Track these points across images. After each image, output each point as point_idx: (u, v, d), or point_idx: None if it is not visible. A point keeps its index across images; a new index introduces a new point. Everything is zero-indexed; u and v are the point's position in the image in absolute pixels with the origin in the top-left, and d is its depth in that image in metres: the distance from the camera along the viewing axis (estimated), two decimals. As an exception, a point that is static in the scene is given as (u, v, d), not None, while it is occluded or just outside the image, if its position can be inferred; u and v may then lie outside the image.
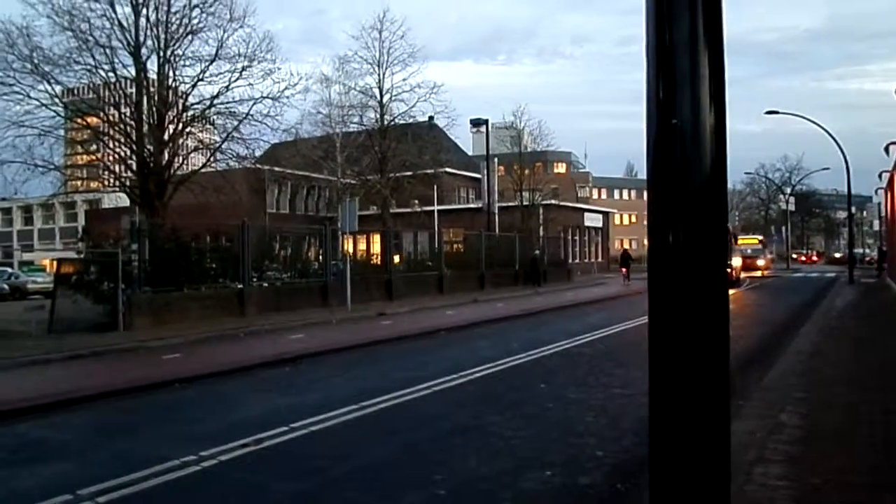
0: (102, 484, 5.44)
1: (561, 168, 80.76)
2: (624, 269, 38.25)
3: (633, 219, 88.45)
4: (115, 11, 24.28)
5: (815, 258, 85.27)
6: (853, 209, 42.04)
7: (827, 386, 8.33)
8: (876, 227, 48.02)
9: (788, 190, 74.28)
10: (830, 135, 34.88)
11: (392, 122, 39.03)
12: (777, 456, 5.41)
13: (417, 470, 5.86)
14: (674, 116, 1.71)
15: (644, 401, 5.80)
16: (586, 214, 57.53)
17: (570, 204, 58.24)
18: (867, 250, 69.54)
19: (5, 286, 33.14)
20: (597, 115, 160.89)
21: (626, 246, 57.39)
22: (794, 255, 76.52)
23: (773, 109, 40.01)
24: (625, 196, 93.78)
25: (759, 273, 41.02)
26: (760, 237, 50.82)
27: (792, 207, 72.47)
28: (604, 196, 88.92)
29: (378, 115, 38.61)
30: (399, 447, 6.72)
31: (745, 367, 9.88)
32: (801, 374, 9.09)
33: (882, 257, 40.32)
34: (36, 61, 23.34)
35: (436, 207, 43.59)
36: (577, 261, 51.35)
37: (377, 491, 5.41)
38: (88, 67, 24.58)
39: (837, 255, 73.46)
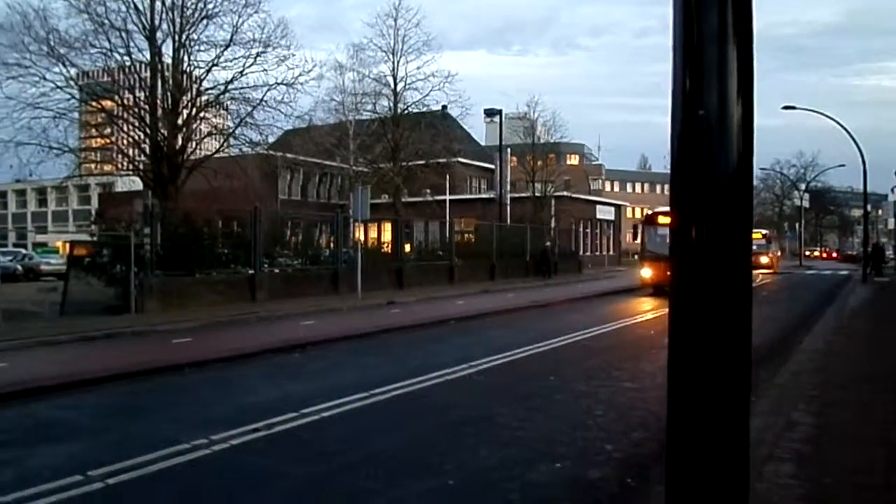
0: (112, 465, 5.48)
1: (574, 160, 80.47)
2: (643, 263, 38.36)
3: (647, 212, 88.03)
4: (131, -6, 24.33)
5: (835, 255, 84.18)
6: (868, 207, 41.64)
7: (840, 385, 8.27)
8: (891, 225, 47.49)
9: (803, 186, 73.69)
10: (847, 131, 34.56)
11: (405, 111, 38.94)
12: (788, 454, 5.37)
13: (426, 459, 5.87)
14: (700, 108, 1.68)
15: (653, 395, 5.79)
16: (598, 207, 57.32)
17: (583, 196, 58.02)
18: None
19: (19, 267, 33.37)
20: (611, 107, 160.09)
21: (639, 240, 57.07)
22: (808, 252, 75.98)
23: (790, 105, 39.70)
24: (637, 189, 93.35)
25: (763, 271, 38.34)
26: (765, 231, 46.79)
27: (806, 204, 71.91)
28: (616, 189, 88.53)
29: (391, 104, 38.55)
30: (408, 436, 6.73)
31: (757, 364, 9.83)
32: (814, 372, 9.03)
33: (880, 256, 38.04)
34: (52, 44, 23.44)
35: (448, 197, 43.52)
36: (588, 253, 51.22)
37: (385, 478, 5.42)
38: (104, 50, 24.67)
39: (852, 252, 72.84)
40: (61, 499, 4.89)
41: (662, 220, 25.03)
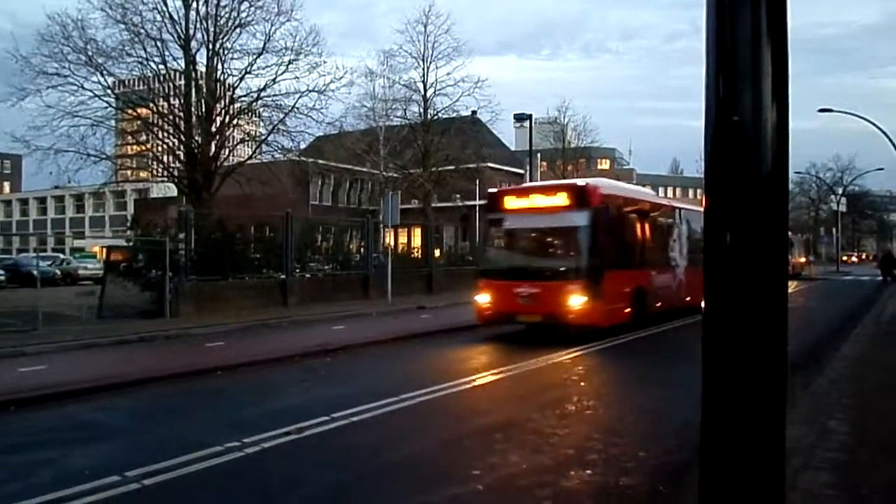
0: (148, 467, 5.57)
1: (605, 164, 79.94)
2: None
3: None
4: (166, 5, 24.89)
5: (873, 260, 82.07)
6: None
7: (878, 394, 8.09)
8: (932, 230, 46.34)
9: (840, 190, 72.22)
10: (885, 134, 33.82)
11: (435, 116, 39.07)
12: (824, 464, 5.26)
13: (456, 464, 5.86)
14: (735, 113, 1.67)
15: (687, 401, 5.64)
16: (629, 212, 56.70)
17: (613, 201, 57.40)
18: None
19: (57, 271, 34.10)
20: (642, 111, 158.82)
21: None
22: (845, 257, 74.33)
23: (827, 107, 39.02)
24: (669, 193, 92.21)
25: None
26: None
27: (843, 208, 70.46)
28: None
29: (421, 109, 38.71)
30: (437, 441, 6.73)
31: (792, 372, 9.65)
32: (851, 380, 8.84)
33: (891, 263, 37.10)
34: (90, 53, 24.02)
35: (478, 202, 43.46)
36: (618, 258, 50.68)
37: (415, 484, 5.43)
38: (140, 59, 25.20)
39: None
40: (99, 499, 4.98)
41: (517, 202, 14.69)
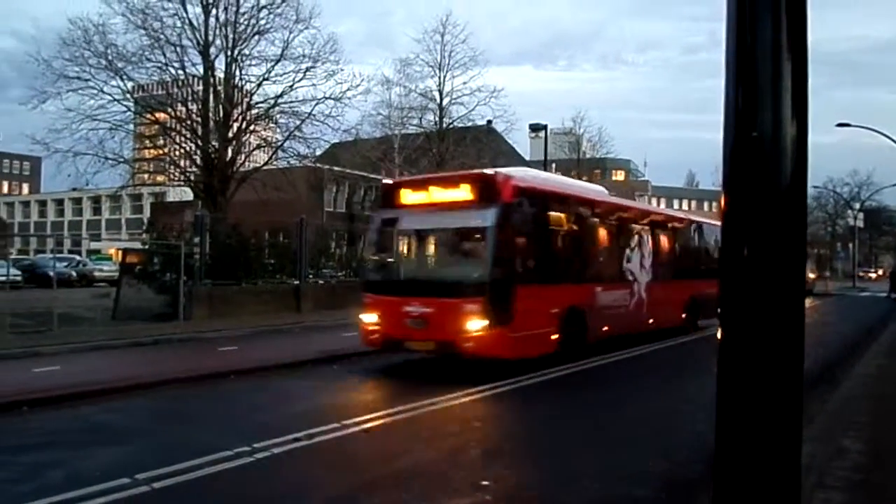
0: (159, 470, 5.58)
1: (620, 176, 79.75)
2: None
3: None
4: (186, 11, 25.12)
5: None
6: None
7: (894, 412, 7.99)
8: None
9: (857, 205, 71.61)
10: (905, 150, 33.50)
11: (451, 125, 39.13)
12: (839, 482, 5.20)
13: (464, 474, 5.84)
14: (753, 128, 1.66)
15: (701, 415, 5.60)
16: (644, 224, 56.49)
17: (628, 213, 57.26)
18: None
19: (73, 273, 34.40)
20: (658, 123, 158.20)
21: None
22: (862, 273, 73.60)
23: (845, 122, 38.73)
24: (685, 206, 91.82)
25: None
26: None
27: (860, 224, 69.84)
28: (663, 205, 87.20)
29: (437, 118, 38.79)
30: (447, 451, 6.71)
31: (808, 389, 9.54)
32: (867, 398, 8.74)
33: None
34: (110, 58, 24.29)
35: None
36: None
37: (423, 493, 5.41)
38: (159, 65, 25.47)
39: None
40: (109, 500, 5.00)
41: (412, 196, 11.74)
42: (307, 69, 26.46)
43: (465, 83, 37.91)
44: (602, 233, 13.77)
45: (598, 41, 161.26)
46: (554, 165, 42.87)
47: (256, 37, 26.09)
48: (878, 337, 16.77)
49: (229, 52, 25.89)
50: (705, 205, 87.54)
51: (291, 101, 27.03)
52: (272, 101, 27.08)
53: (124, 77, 24.92)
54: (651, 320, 14.65)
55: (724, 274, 1.73)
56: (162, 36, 24.91)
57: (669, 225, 17.44)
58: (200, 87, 26.73)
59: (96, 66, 24.18)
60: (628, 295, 14.13)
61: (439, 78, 38.08)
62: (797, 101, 1.69)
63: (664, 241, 16.30)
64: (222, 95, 26.25)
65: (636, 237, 14.75)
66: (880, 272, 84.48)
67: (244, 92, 27.10)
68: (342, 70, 27.56)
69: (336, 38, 27.25)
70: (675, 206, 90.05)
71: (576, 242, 12.55)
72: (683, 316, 16.46)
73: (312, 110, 26.90)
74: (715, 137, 1.78)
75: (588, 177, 50.50)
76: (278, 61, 26.33)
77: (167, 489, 5.28)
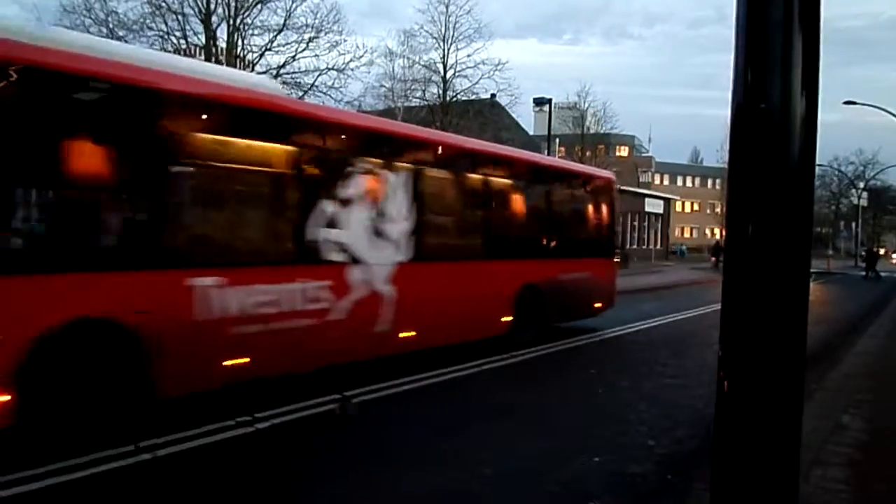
0: (161, 438, 5.61)
1: (623, 151, 79.28)
2: (713, 258, 39.32)
3: (696, 207, 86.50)
4: (188, -22, 24.80)
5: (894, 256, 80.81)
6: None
7: (893, 389, 8.02)
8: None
9: (861, 185, 71.38)
10: (911, 128, 33.28)
11: (454, 98, 38.87)
12: (837, 458, 5.24)
13: (462, 448, 5.88)
14: (763, 101, 1.64)
15: (698, 392, 5.66)
16: (647, 200, 56.38)
17: (631, 189, 57.16)
18: None
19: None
20: (663, 98, 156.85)
21: (688, 235, 56.40)
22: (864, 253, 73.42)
23: (852, 100, 38.42)
24: (688, 183, 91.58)
25: None
26: None
27: (864, 203, 69.65)
28: (666, 182, 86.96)
29: (441, 91, 38.51)
30: (444, 426, 6.75)
31: (808, 366, 9.57)
32: (866, 375, 8.77)
33: (872, 259, 38.04)
34: (111, 26, 24.09)
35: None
36: (635, 247, 50.53)
37: (417, 466, 5.45)
38: (161, 33, 25.27)
39: None
40: (113, 468, 5.03)
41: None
42: (310, 39, 26.34)
43: (469, 56, 37.61)
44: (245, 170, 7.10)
45: (604, 15, 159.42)
46: (558, 140, 42.62)
47: (259, 6, 25.95)
48: (880, 315, 16.80)
49: (231, 21, 25.71)
50: (709, 182, 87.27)
51: (294, 72, 26.92)
52: (275, 72, 26.89)
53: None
54: (408, 332, 8.62)
55: (729, 251, 1.71)
56: (163, 3, 24.74)
57: (460, 163, 10.18)
58: (202, 57, 26.52)
59: (97, 34, 23.87)
60: (322, 290, 7.62)
61: (443, 50, 37.78)
62: (807, 76, 1.66)
63: (449, 190, 10.01)
64: (224, 65, 26.07)
65: (360, 182, 8.25)
66: (882, 252, 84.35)
67: (246, 62, 26.91)
68: (345, 41, 27.42)
69: (339, 8, 27.22)
70: (679, 182, 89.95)
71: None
72: (507, 319, 10.30)
73: (315, 81, 26.81)
74: (720, 114, 1.79)
75: (592, 152, 50.22)
76: (281, 31, 26.18)
77: (170, 456, 5.32)
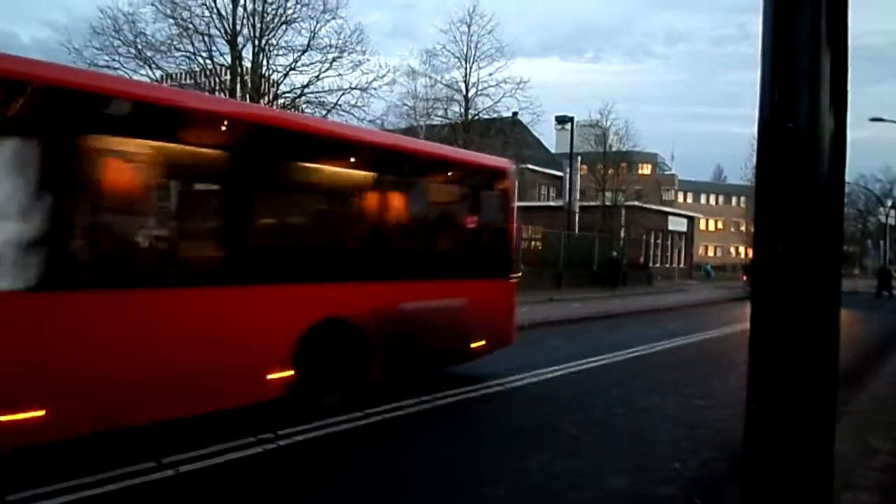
0: (186, 454, 5.63)
1: (646, 169, 78.94)
2: (745, 277, 38.94)
3: (720, 225, 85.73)
4: (214, 1, 25.25)
5: None
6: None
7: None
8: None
9: (889, 202, 70.30)
10: (940, 146, 32.80)
11: (476, 117, 39.00)
12: (867, 482, 5.12)
13: (482, 465, 5.83)
14: (790, 119, 1.62)
15: (724, 413, 5.58)
16: (670, 218, 56.02)
17: (654, 207, 56.85)
18: None
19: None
20: (686, 116, 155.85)
21: (711, 253, 55.93)
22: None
23: (878, 117, 38.01)
24: (711, 201, 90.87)
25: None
26: None
27: (893, 221, 68.58)
28: (689, 200, 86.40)
29: (462, 109, 38.66)
30: (467, 444, 6.72)
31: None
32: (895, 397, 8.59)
33: (887, 277, 37.19)
34: (139, 46, 24.52)
35: (516, 203, 43.35)
36: (658, 265, 50.13)
37: (437, 485, 5.42)
38: (188, 54, 25.67)
39: None
40: (132, 484, 5.06)
41: None
42: (333, 59, 26.59)
43: (490, 74, 37.74)
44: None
45: (625, 33, 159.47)
46: (580, 158, 42.53)
47: (284, 26, 26.26)
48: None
49: (257, 42, 26.06)
50: (733, 200, 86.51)
51: (317, 91, 27.19)
52: (298, 91, 27.25)
53: (153, 66, 25.17)
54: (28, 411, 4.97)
55: (758, 268, 1.69)
56: (190, 25, 25.13)
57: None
58: (228, 77, 26.92)
59: (126, 55, 24.47)
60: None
61: (465, 69, 37.96)
62: (836, 94, 1.65)
63: (144, 168, 5.89)
64: (249, 85, 26.44)
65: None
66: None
67: (271, 82, 27.27)
68: (368, 60, 27.64)
69: (363, 28, 27.33)
70: (703, 200, 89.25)
71: None
72: (281, 375, 6.74)
73: (338, 100, 27.02)
74: (744, 131, 1.77)
75: (614, 170, 50.02)
76: (305, 51, 26.48)
77: (192, 473, 5.34)
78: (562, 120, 41.13)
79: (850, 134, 1.76)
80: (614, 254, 36.08)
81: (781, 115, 1.64)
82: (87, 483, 4.94)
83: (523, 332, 14.45)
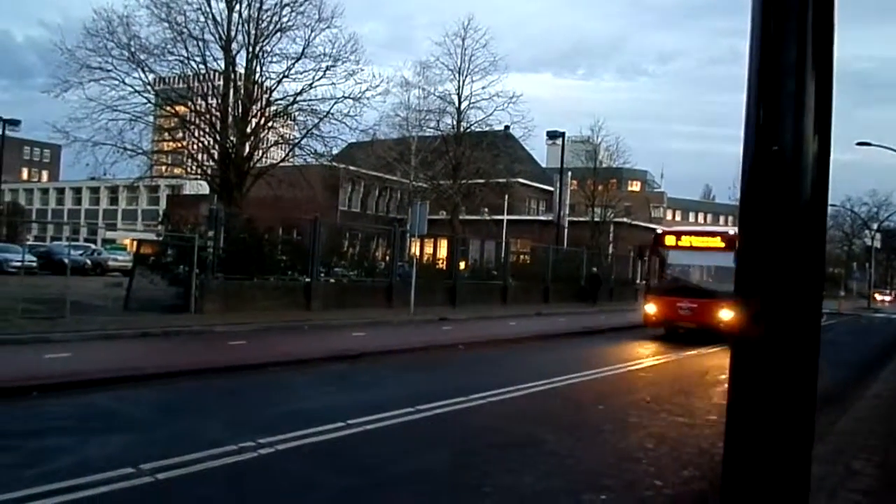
0: (163, 461, 5.59)
1: (635, 186, 79.46)
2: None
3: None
4: (209, 6, 25.31)
5: None
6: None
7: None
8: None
9: (875, 226, 70.99)
10: (926, 172, 33.20)
11: (468, 129, 39.15)
12: (847, 504, 5.13)
13: (467, 479, 5.81)
14: (775, 143, 1.64)
15: (706, 432, 5.59)
16: (658, 235, 56.22)
17: (643, 223, 57.12)
18: None
19: (88, 261, 34.64)
20: (676, 135, 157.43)
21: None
22: (878, 296, 72.78)
23: (865, 141, 38.44)
24: (700, 219, 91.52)
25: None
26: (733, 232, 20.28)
27: (878, 244, 69.23)
28: (678, 218, 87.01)
29: (455, 122, 38.83)
30: (450, 455, 6.69)
31: (819, 408, 9.43)
32: (879, 420, 8.63)
33: None
34: (133, 49, 24.49)
35: (505, 217, 43.45)
36: (645, 282, 50.26)
37: (425, 496, 5.39)
38: (181, 58, 25.62)
39: None
40: (112, 489, 5.01)
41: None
42: (327, 68, 26.60)
43: (484, 88, 38.00)
44: None
45: (618, 51, 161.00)
46: (570, 173, 42.75)
47: (278, 34, 26.26)
48: (892, 359, 16.58)
49: (251, 49, 26.05)
50: (721, 219, 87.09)
51: (310, 99, 27.17)
52: (291, 99, 27.21)
53: (146, 69, 25.14)
54: None
55: (740, 289, 1.70)
56: (185, 30, 25.11)
57: None
58: (221, 82, 26.88)
59: (119, 57, 24.42)
60: None
61: (459, 82, 38.19)
62: (820, 118, 1.66)
63: None
64: (242, 91, 26.39)
65: None
66: (894, 294, 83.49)
67: (264, 88, 27.23)
68: (362, 70, 27.68)
69: (357, 38, 27.36)
70: (691, 218, 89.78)
71: None
72: None
73: (331, 109, 27.02)
74: (732, 151, 1.78)
75: (604, 186, 50.28)
76: (299, 59, 26.48)
77: (170, 480, 5.29)
78: (553, 135, 41.39)
79: (837, 157, 1.78)
80: (594, 269, 36.13)
81: (767, 138, 1.65)
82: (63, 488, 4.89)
83: (511, 346, 14.40)
